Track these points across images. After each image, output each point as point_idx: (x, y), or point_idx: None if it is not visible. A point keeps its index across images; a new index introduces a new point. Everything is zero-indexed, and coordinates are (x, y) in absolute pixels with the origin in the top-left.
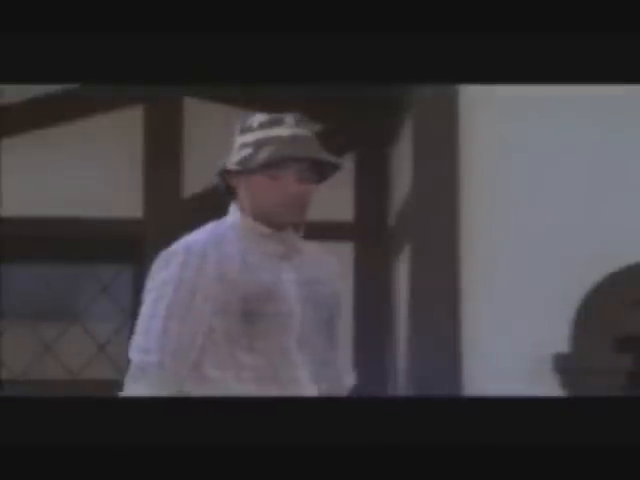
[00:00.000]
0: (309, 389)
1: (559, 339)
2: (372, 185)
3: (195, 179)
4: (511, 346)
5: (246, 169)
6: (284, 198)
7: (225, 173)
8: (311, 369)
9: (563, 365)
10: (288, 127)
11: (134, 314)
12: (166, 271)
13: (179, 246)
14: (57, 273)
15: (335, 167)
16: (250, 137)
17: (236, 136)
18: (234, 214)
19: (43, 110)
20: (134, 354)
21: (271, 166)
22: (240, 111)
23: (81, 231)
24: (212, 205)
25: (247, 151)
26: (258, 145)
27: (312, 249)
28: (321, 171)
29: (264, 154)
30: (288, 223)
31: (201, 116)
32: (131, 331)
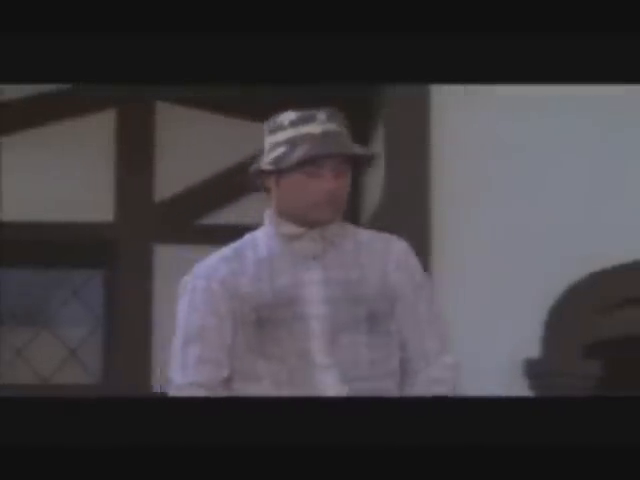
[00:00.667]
0: (335, 390)
1: (530, 344)
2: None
3: (167, 183)
4: (482, 349)
5: (281, 168)
6: (322, 195)
7: (259, 174)
8: (342, 369)
9: (534, 370)
10: (320, 124)
11: (105, 318)
12: (181, 299)
13: (192, 271)
14: (28, 277)
15: (369, 159)
16: (282, 136)
17: (266, 137)
18: (266, 219)
19: (14, 113)
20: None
21: (306, 164)
22: (214, 116)
23: (52, 235)
24: (184, 209)
25: (280, 150)
26: (291, 143)
27: (363, 238)
28: (355, 164)
29: (299, 152)
30: (326, 220)
31: (173, 120)
32: (102, 335)
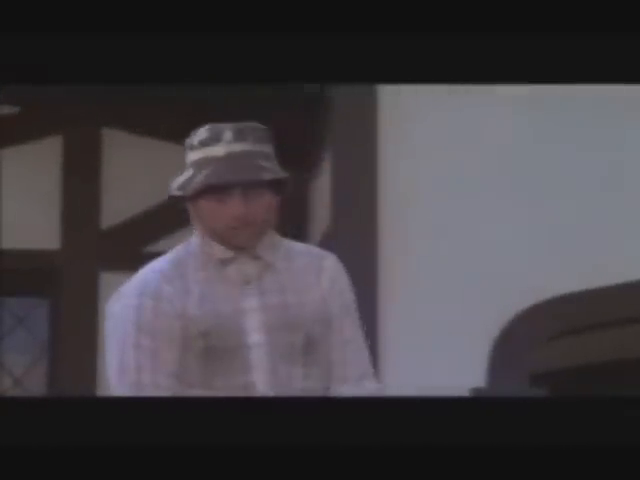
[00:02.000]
0: None
1: (476, 372)
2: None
3: (114, 210)
4: (428, 376)
5: (186, 195)
6: (232, 221)
7: (172, 199)
8: None
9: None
10: (225, 144)
11: (50, 346)
12: (123, 314)
13: (132, 287)
14: None
15: (282, 181)
16: (192, 156)
17: (186, 153)
18: (194, 239)
19: None
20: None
21: (209, 190)
22: (161, 142)
23: None
24: (131, 236)
25: (188, 174)
26: (197, 167)
27: (295, 255)
28: (275, 184)
29: (200, 178)
30: (244, 245)
31: (120, 146)
32: (47, 363)
